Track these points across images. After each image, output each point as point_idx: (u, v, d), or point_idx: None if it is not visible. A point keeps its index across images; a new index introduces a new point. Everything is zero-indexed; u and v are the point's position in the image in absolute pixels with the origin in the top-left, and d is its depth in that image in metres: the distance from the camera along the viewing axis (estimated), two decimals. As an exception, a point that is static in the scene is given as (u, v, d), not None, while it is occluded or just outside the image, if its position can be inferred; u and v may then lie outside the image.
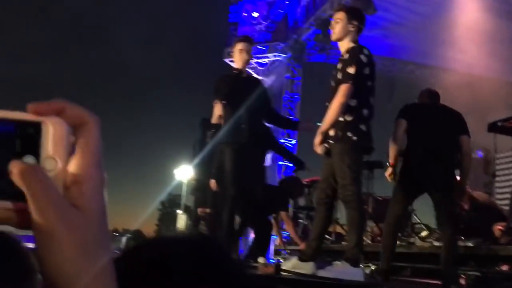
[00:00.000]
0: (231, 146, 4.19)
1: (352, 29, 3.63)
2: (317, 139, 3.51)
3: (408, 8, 10.95)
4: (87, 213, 0.40)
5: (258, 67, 15.17)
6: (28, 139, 0.41)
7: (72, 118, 0.42)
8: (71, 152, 0.41)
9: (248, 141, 4.14)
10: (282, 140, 13.88)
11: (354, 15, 3.69)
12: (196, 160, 5.94)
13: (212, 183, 4.86)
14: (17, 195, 0.39)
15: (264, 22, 15.57)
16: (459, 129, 4.05)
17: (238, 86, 4.31)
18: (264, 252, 5.02)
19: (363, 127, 3.50)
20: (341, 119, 3.45)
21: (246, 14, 15.78)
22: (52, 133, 0.41)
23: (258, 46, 15.24)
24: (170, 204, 45.89)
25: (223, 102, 4.38)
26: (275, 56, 14.90)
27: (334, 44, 13.53)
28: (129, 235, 23.41)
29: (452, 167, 3.98)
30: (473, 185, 6.27)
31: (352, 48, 3.57)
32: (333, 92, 3.50)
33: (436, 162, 3.82)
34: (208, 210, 5.55)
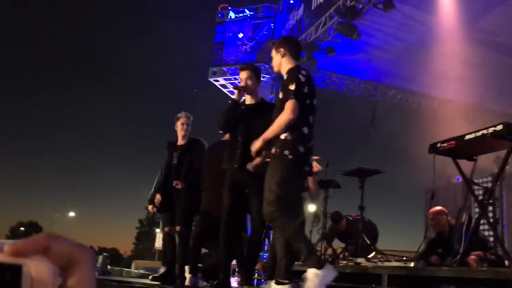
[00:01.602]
0: (226, 171, 4.29)
1: (283, 56, 3.83)
2: (256, 144, 3.63)
3: (392, 34, 11.15)
4: None
5: (242, 88, 15.21)
6: (5, 285, 0.35)
7: (59, 256, 0.35)
8: None
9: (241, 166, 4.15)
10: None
11: (280, 43, 3.91)
12: (159, 183, 6.03)
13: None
14: None
15: (249, 43, 15.70)
16: None
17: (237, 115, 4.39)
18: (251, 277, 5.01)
19: (301, 147, 3.52)
20: (281, 136, 3.49)
21: (231, 35, 15.89)
22: (35, 278, 0.35)
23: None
24: (148, 223, 45.42)
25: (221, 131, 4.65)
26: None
27: (318, 67, 13.71)
28: (105, 253, 23.00)
29: None
30: (454, 210, 6.33)
31: (290, 68, 3.72)
32: (276, 112, 3.63)
33: None
34: (178, 228, 5.52)
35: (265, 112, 4.17)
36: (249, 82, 4.35)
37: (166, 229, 5.97)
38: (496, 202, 9.92)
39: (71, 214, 47.93)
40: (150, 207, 6.48)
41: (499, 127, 3.07)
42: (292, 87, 3.53)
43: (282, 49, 3.83)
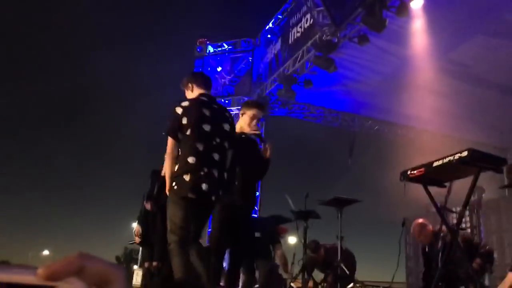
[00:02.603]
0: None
1: (188, 89, 4.04)
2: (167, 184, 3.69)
3: (367, 66, 11.40)
4: None
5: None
6: None
7: (93, 277, 0.35)
8: None
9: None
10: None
11: (186, 79, 4.09)
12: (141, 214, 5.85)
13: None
14: None
15: (228, 76, 15.89)
16: None
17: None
18: None
19: (186, 176, 3.57)
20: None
21: (209, 69, 16.08)
22: None
23: (222, 100, 15.49)
24: (126, 259, 44.55)
25: None
26: (238, 109, 15.08)
27: (297, 99, 13.87)
28: None
29: None
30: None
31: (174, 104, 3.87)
32: None
33: None
34: (154, 264, 5.41)
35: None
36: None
37: (146, 264, 5.76)
38: (474, 230, 10.04)
39: (45, 252, 46.85)
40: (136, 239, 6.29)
41: (464, 153, 3.15)
42: (168, 123, 3.76)
43: (187, 84, 4.06)
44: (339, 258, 5.93)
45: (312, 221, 6.38)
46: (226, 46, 16.30)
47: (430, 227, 5.79)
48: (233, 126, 4.03)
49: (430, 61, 10.20)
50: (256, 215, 13.39)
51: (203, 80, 4.07)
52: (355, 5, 9.25)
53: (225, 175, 3.82)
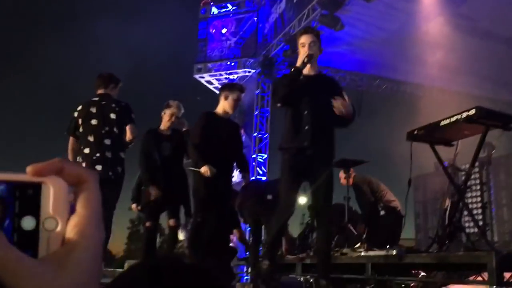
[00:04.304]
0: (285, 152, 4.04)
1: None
2: None
3: (374, 24, 11.17)
4: (76, 275, 0.39)
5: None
6: (27, 200, 0.41)
7: (70, 176, 0.42)
8: (70, 211, 0.42)
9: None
10: (254, 155, 13.93)
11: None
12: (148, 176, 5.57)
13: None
14: None
15: (233, 38, 15.67)
16: None
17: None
18: None
19: (83, 164, 4.48)
20: None
21: (214, 31, 15.85)
22: (52, 194, 0.41)
23: (227, 62, 15.34)
24: (140, 222, 45.24)
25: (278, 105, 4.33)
26: (244, 72, 14.97)
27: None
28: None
29: None
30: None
31: None
32: None
33: None
34: (172, 222, 5.47)
35: (328, 84, 4.04)
36: (314, 49, 3.93)
37: (171, 222, 5.52)
38: (483, 186, 10.07)
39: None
40: (133, 206, 6.28)
41: (472, 112, 3.09)
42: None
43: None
44: (346, 219, 5.96)
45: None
46: (230, 7, 16.01)
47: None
48: (120, 113, 4.85)
49: (439, 16, 9.97)
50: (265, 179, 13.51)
51: (100, 81, 4.98)
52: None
53: (122, 154, 4.80)
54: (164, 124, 5.60)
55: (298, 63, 3.88)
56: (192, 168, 5.12)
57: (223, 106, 4.89)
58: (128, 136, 4.80)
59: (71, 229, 0.41)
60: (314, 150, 3.70)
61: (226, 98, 4.85)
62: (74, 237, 0.40)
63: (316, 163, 3.70)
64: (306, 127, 3.75)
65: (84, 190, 0.42)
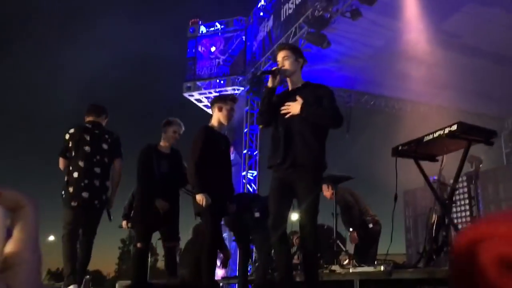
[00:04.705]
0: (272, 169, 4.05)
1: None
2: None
3: (360, 41, 11.30)
4: None
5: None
6: None
7: (8, 202, 0.43)
8: (7, 235, 0.43)
9: None
10: (244, 173, 13.92)
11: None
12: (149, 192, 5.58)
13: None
14: None
15: (222, 56, 15.78)
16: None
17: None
18: None
19: (70, 188, 4.91)
20: None
21: (203, 49, 15.95)
22: None
23: (216, 80, 15.41)
24: (131, 241, 44.80)
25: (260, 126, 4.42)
26: (233, 89, 15.05)
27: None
28: (87, 276, 22.55)
29: None
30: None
31: None
32: None
33: None
34: (139, 245, 5.17)
35: (308, 93, 3.83)
36: (286, 63, 3.86)
37: (171, 243, 5.31)
38: (472, 200, 10.12)
39: (51, 238, 47.00)
40: (124, 223, 6.22)
41: (454, 127, 3.14)
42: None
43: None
44: (334, 235, 5.95)
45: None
46: (218, 26, 16.15)
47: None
48: (111, 145, 5.18)
49: (423, 33, 10.12)
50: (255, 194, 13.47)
51: (93, 109, 5.28)
52: (346, -21, 9.14)
53: (108, 183, 5.09)
54: (167, 141, 5.40)
55: (269, 83, 3.86)
56: (185, 190, 5.11)
57: (218, 118, 4.72)
58: (117, 169, 5.21)
59: (7, 254, 0.42)
60: (290, 166, 3.65)
61: (220, 110, 4.71)
62: (12, 261, 0.41)
63: (296, 180, 3.64)
64: (280, 144, 3.73)
65: (22, 215, 0.44)
